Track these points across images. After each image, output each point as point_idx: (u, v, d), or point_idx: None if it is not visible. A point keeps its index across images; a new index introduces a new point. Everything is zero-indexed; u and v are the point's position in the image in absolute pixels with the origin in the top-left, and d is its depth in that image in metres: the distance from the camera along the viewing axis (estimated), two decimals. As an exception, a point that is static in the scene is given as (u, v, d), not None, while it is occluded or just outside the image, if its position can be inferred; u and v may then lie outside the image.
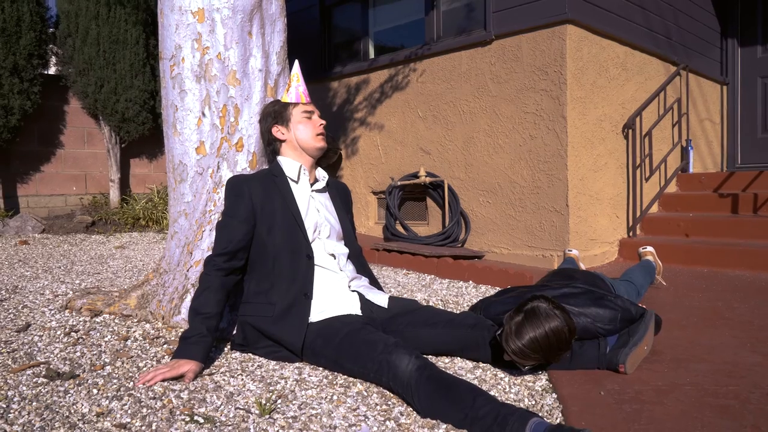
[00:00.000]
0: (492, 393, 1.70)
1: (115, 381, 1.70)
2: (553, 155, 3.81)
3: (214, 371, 1.83)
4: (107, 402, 1.54)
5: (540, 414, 1.57)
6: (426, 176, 4.43)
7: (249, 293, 2.05)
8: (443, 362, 1.99)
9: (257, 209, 2.03)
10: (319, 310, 1.98)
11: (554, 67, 3.79)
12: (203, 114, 2.34)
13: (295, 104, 2.18)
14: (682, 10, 5.06)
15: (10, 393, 1.58)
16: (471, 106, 4.28)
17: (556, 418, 1.56)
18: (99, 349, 2.00)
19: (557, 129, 3.78)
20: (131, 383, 1.69)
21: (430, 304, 2.81)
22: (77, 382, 1.68)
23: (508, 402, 1.62)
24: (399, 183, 4.61)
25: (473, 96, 4.27)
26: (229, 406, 1.55)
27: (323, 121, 2.19)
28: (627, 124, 4.28)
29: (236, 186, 2.05)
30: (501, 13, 4.09)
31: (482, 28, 4.26)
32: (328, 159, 5.19)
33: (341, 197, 2.34)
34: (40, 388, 1.63)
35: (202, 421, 1.45)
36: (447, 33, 4.59)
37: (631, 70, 4.40)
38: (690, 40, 5.20)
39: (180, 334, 1.93)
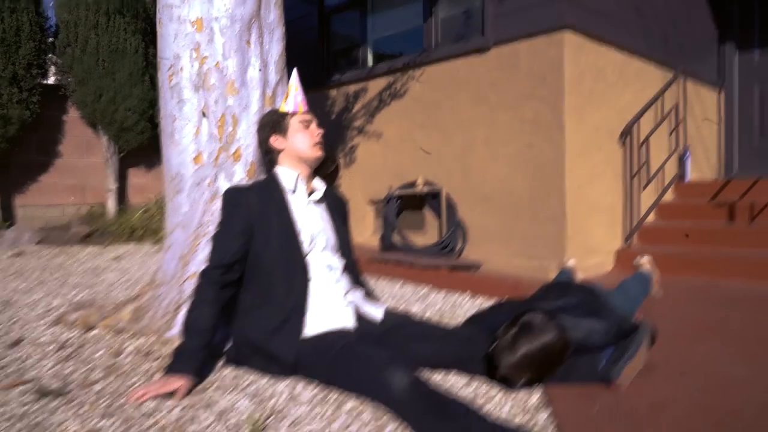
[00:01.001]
0: (485, 409, 1.69)
1: (105, 398, 1.69)
2: (551, 164, 3.80)
3: (208, 386, 1.82)
4: (96, 420, 1.53)
5: (533, 431, 1.56)
6: (424, 185, 4.42)
7: (243, 307, 2.03)
8: (437, 377, 1.97)
9: (254, 221, 2.01)
10: (314, 324, 1.96)
11: (552, 74, 3.78)
12: (201, 124, 2.34)
13: (293, 114, 2.16)
14: (680, 17, 5.07)
15: (-1, 411, 1.57)
16: (469, 114, 4.28)
17: (550, 435, 1.54)
18: (90, 365, 1.98)
19: (555, 137, 3.77)
20: (122, 400, 1.67)
21: (426, 316, 2.80)
22: (67, 399, 1.67)
23: (502, 419, 1.61)
24: (397, 192, 4.60)
25: (471, 104, 4.26)
26: (221, 424, 1.54)
27: (321, 131, 2.18)
28: (624, 132, 4.27)
29: (233, 197, 2.04)
30: (499, 21, 4.09)
31: (480, 36, 4.26)
32: (325, 169, 5.19)
33: (338, 208, 2.32)
34: (28, 405, 1.61)
35: (192, 439, 1.44)
36: (445, 40, 4.59)
37: (628, 77, 4.39)
38: (687, 45, 5.20)
39: (173, 348, 1.91)
